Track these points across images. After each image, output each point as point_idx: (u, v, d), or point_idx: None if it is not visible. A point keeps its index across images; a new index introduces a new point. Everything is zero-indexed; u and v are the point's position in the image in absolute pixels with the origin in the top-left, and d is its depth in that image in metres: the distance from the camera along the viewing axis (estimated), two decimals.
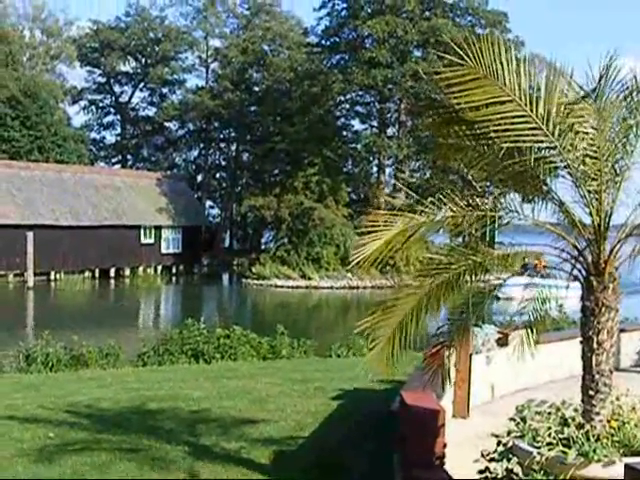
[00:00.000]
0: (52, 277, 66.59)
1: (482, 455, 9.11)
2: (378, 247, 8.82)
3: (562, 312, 25.06)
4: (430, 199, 9.01)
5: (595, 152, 8.66)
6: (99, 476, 11.06)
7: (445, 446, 8.57)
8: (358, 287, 65.05)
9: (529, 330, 9.99)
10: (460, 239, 10.04)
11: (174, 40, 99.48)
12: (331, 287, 65.42)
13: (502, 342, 14.88)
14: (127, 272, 72.59)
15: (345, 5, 75.50)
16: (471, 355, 13.58)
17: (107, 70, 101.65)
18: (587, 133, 8.66)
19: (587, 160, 8.72)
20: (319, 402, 15.59)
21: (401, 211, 9.12)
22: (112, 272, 71.07)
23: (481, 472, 8.87)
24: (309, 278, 67.11)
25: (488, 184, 9.78)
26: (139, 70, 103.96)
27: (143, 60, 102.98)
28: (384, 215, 9.11)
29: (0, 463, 11.66)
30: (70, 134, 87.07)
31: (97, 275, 69.84)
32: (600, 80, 8.56)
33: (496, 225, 9.39)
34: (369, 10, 72.68)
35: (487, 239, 9.71)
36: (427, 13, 72.54)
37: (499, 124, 8.34)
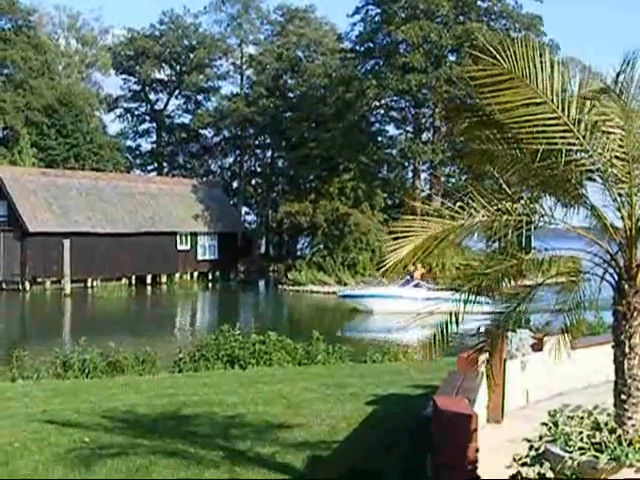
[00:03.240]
0: (89, 284, 67.04)
1: (514, 460, 9.08)
2: (410, 251, 8.84)
3: (598, 317, 24.89)
4: (465, 204, 9.02)
5: (624, 154, 8.62)
6: None
7: (478, 451, 8.55)
8: None
9: (564, 335, 9.92)
10: (496, 244, 10.01)
11: (208, 47, 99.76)
12: None
13: (537, 347, 14.82)
14: (164, 279, 72.95)
15: (379, 10, 75.44)
16: (505, 360, 13.53)
17: (142, 78, 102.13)
18: (614, 133, 8.62)
19: (616, 162, 8.68)
20: (354, 407, 15.60)
21: (435, 216, 9.14)
22: (149, 279, 71.47)
23: (513, 477, 8.85)
24: (345, 284, 67.02)
25: (523, 188, 9.76)
26: (174, 77, 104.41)
27: (178, 67, 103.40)
28: (417, 220, 9.14)
29: (37, 468, 11.77)
30: (106, 142, 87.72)
31: (134, 282, 70.22)
32: (618, 76, 8.51)
33: (532, 230, 9.38)
34: (403, 15, 72.57)
35: (523, 244, 9.68)
36: (461, 17, 72.39)
37: (531, 127, 8.34)
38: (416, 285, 51.36)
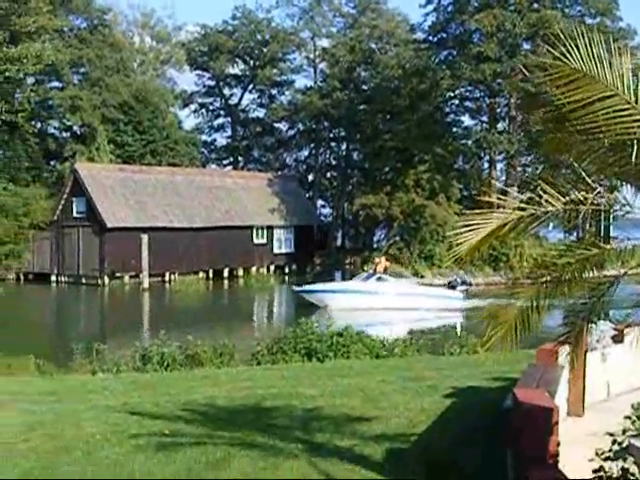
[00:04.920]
0: (167, 278, 67.73)
1: (597, 454, 8.96)
2: (480, 239, 8.77)
3: None
4: (539, 195, 8.92)
5: None
6: (214, 473, 11.22)
7: (559, 444, 8.47)
8: (471, 284, 64.50)
9: None
10: (574, 236, 9.90)
11: (281, 41, 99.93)
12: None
13: (618, 339, 14.63)
14: (240, 272, 73.38)
15: (451, 0, 74.92)
16: (586, 352, 13.37)
17: (216, 73, 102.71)
18: None
19: None
20: (432, 400, 15.55)
21: (510, 207, 9.06)
22: (225, 273, 71.92)
23: (595, 471, 8.73)
24: (421, 276, 66.77)
25: (600, 177, 9.61)
26: (248, 72, 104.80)
27: (251, 62, 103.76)
28: (492, 209, 9.08)
29: (118, 459, 11.93)
30: (182, 137, 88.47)
31: (211, 276, 70.74)
32: None
33: (610, 219, 9.24)
34: (476, 4, 71.93)
35: (602, 234, 9.54)
36: (535, 4, 71.42)
37: (606, 118, 8.20)
38: (378, 279, 50.21)
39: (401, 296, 47.51)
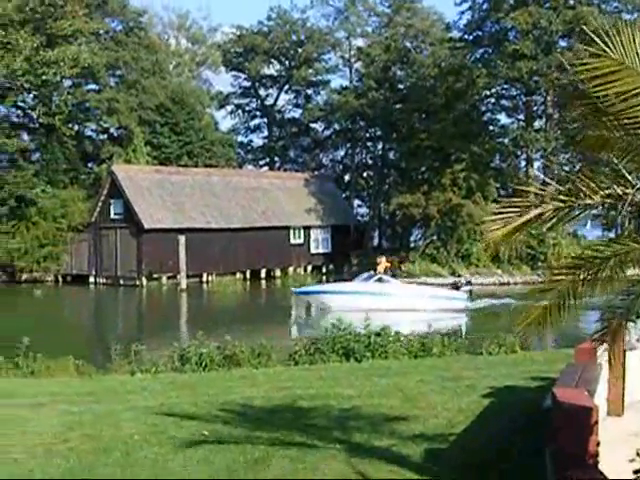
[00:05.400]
0: (204, 279, 67.96)
1: (638, 454, 8.88)
2: (517, 226, 8.72)
3: None
4: (575, 192, 8.86)
5: None
6: (253, 473, 11.25)
7: (598, 444, 8.41)
8: (508, 283, 64.27)
9: None
10: (613, 233, 9.84)
11: (317, 41, 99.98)
12: (481, 284, 64.75)
13: None
14: (277, 273, 73.47)
15: None
16: (625, 351, 13.26)
17: (252, 74, 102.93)
18: None
19: None
20: (470, 400, 15.50)
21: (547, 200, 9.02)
22: (263, 273, 72.04)
23: (636, 472, 8.65)
24: (459, 275, 66.56)
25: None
26: (283, 73, 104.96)
27: (287, 63, 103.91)
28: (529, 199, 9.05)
29: (157, 459, 12.00)
30: (218, 138, 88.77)
31: (248, 276, 70.87)
32: None
33: None
34: (511, 2, 71.49)
35: None
36: (571, 1, 70.97)
37: None
38: (379, 280, 49.35)
39: (402, 297, 46.87)
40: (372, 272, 50.85)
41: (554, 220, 8.98)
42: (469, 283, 52.50)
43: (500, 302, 50.11)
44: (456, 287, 49.83)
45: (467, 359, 22.84)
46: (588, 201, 8.83)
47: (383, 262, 50.41)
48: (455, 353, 24.04)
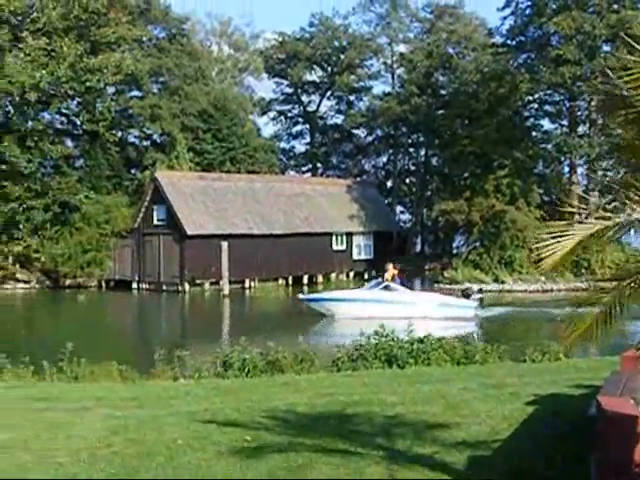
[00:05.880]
0: (246, 285, 68.14)
1: None
2: (567, 250, 8.68)
3: None
4: (622, 202, 8.80)
5: None
6: (296, 479, 11.27)
7: None
8: (552, 290, 63.81)
9: None
10: None
11: (359, 47, 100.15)
12: (524, 290, 64.40)
13: None
14: (320, 279, 73.51)
15: (529, 3, 74.10)
16: None
17: (294, 80, 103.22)
18: None
19: None
20: (513, 407, 15.42)
21: (594, 215, 8.96)
22: (305, 279, 72.10)
23: None
24: (502, 282, 66.29)
25: None
26: (325, 79, 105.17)
27: (329, 69, 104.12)
28: (573, 216, 9.00)
29: (200, 464, 12.05)
30: (260, 144, 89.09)
31: (290, 282, 70.96)
32: None
33: None
34: (554, 6, 71.07)
35: None
36: (615, 5, 70.43)
37: None
38: (385, 287, 48.44)
39: (409, 305, 46.08)
40: (379, 280, 50.19)
41: (604, 238, 8.94)
42: (480, 291, 51.84)
43: (514, 310, 49.88)
44: (467, 295, 49.07)
45: (510, 366, 22.72)
46: (636, 216, 8.77)
47: (390, 269, 49.52)
48: (498, 360, 23.93)
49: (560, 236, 8.72)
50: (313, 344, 27.91)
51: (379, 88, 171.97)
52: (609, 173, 70.61)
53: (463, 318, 44.98)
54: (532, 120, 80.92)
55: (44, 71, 66.56)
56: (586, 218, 8.93)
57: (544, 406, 15.53)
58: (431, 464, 11.70)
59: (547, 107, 79.66)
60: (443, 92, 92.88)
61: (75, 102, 77.30)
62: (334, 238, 76.50)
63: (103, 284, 71.07)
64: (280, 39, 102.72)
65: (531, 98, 77.66)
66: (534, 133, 79.93)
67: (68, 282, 70.01)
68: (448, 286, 66.88)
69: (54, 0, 70.01)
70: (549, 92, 77.09)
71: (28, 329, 48.69)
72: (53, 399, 17.91)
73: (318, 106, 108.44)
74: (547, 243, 8.80)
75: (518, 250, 67.50)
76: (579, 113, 77.25)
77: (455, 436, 13.38)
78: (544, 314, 43.87)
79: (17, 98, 69.69)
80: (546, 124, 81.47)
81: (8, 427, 14.74)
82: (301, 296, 52.86)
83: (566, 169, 79.85)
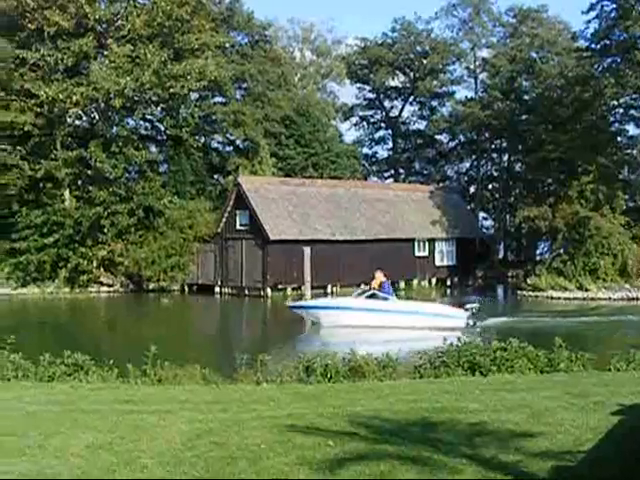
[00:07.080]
0: (328, 290, 68.27)
1: None
2: None
3: None
4: None
5: None
6: None
7: None
8: (637, 298, 62.88)
9: None
10: None
11: (441, 52, 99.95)
12: (609, 298, 63.52)
13: None
14: (402, 285, 73.37)
15: (614, 6, 73.01)
16: None
17: (376, 86, 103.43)
18: None
19: None
20: (598, 417, 15.20)
21: None
22: None
23: None
24: (586, 289, 65.47)
25: None
26: (408, 84, 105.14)
27: (411, 74, 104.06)
28: None
29: (283, 469, 12.08)
30: (343, 150, 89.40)
31: None
32: None
33: None
34: None
35: None
36: None
37: None
38: (372, 295, 47.21)
39: (394, 314, 45.19)
40: (367, 287, 49.25)
41: None
42: (478, 301, 50.74)
43: (516, 319, 49.18)
44: (461, 305, 47.94)
45: (595, 375, 22.42)
46: None
47: (378, 277, 48.33)
48: (582, 369, 23.63)
49: None
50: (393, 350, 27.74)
51: (462, 93, 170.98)
52: None
53: (451, 328, 43.07)
54: (617, 125, 79.90)
55: (128, 78, 67.55)
56: None
57: (632, 417, 15.29)
58: (515, 473, 11.59)
59: (633, 112, 78.58)
60: (526, 97, 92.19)
61: (159, 108, 78.42)
62: (416, 244, 76.39)
63: (186, 288, 71.87)
64: (362, 45, 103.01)
65: (616, 103, 76.67)
66: (619, 138, 78.95)
67: (151, 286, 70.96)
68: (532, 293, 66.33)
69: (138, 8, 71.12)
70: (635, 96, 76.04)
71: (112, 332, 49.42)
72: (137, 401, 18.10)
73: (400, 111, 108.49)
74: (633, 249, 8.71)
75: (603, 257, 66.59)
76: None
77: (539, 445, 13.24)
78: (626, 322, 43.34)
79: (102, 104, 70.93)
80: (632, 129, 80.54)
81: (93, 429, 14.93)
82: (289, 303, 52.67)
83: None
